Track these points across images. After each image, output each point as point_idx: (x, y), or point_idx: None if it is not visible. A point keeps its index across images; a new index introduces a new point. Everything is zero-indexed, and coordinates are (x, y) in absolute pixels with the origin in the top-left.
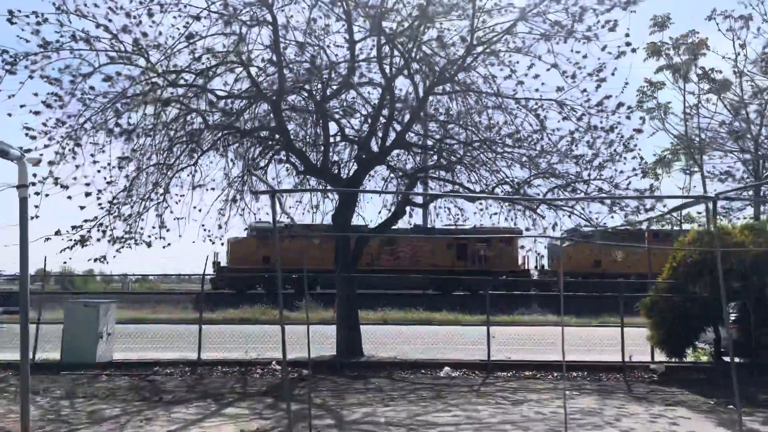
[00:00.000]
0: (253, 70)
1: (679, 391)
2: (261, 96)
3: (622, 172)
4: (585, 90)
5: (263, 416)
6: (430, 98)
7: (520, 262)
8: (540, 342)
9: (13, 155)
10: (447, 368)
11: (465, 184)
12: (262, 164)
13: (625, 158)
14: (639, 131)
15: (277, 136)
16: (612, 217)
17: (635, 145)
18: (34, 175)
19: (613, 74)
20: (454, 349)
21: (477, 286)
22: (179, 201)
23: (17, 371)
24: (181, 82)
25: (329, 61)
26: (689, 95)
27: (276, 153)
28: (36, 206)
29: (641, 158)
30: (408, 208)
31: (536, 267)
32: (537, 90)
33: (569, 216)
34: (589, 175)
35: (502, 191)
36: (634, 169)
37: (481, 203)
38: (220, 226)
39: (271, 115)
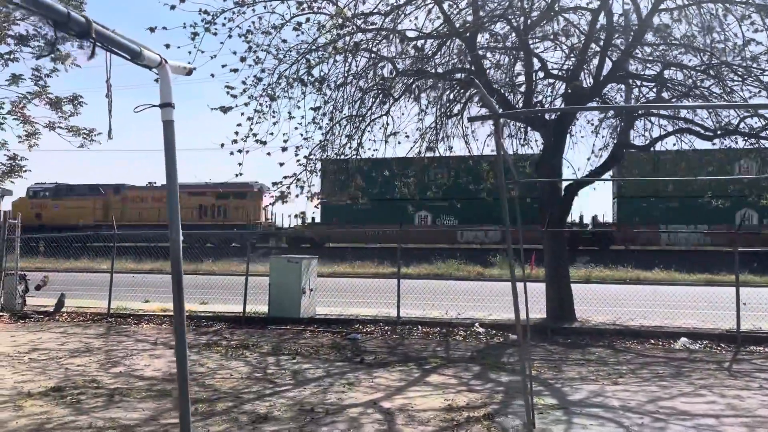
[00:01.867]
0: (445, 6)
1: None
2: (455, 33)
3: None
4: None
5: (472, 388)
6: (656, 17)
7: None
8: None
9: (148, 59)
10: (684, 339)
11: (696, 120)
12: (456, 110)
13: None
14: None
15: (470, 78)
16: None
17: None
18: (236, 133)
19: None
20: (684, 314)
21: None
22: (372, 155)
23: (233, 324)
24: (370, 26)
25: None
26: None
27: (470, 98)
28: (239, 164)
29: None
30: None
31: None
32: None
33: None
34: None
35: (745, 127)
36: None
37: (713, 144)
38: None
39: (467, 53)
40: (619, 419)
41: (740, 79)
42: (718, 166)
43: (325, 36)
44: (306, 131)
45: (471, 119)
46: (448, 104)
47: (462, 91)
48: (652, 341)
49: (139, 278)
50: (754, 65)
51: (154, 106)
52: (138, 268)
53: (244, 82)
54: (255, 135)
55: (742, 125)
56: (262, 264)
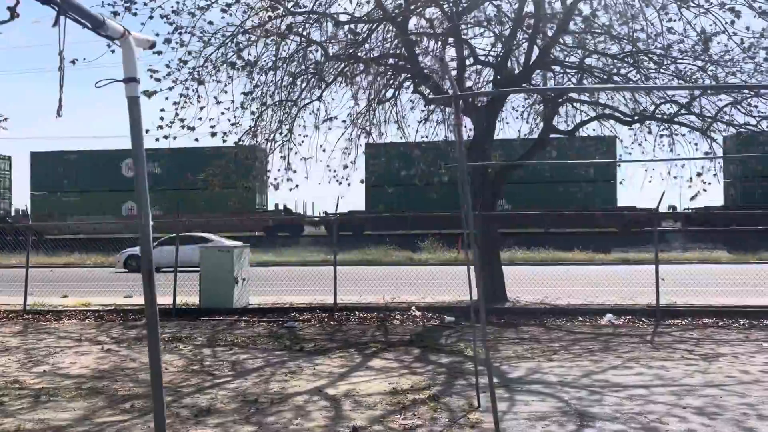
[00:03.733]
0: None
1: None
2: (387, 18)
3: None
4: None
5: (414, 371)
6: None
7: None
8: (710, 282)
9: (111, 29)
10: (609, 315)
11: (619, 107)
12: (388, 95)
13: None
14: None
15: (402, 63)
16: None
17: None
18: (161, 119)
19: None
20: (605, 292)
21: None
22: (302, 142)
23: (163, 317)
24: (301, 9)
25: None
26: None
27: (401, 83)
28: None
29: None
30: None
31: None
32: None
33: None
34: None
35: (661, 114)
36: None
37: (633, 129)
38: (345, 166)
39: (398, 40)
40: (558, 394)
41: (656, 66)
42: None
43: (252, 19)
44: (234, 116)
45: (431, 100)
46: (381, 89)
47: (394, 75)
48: (580, 318)
49: (59, 272)
50: (669, 53)
51: (117, 81)
52: (53, 262)
53: (168, 65)
54: (182, 121)
55: (657, 111)
56: None
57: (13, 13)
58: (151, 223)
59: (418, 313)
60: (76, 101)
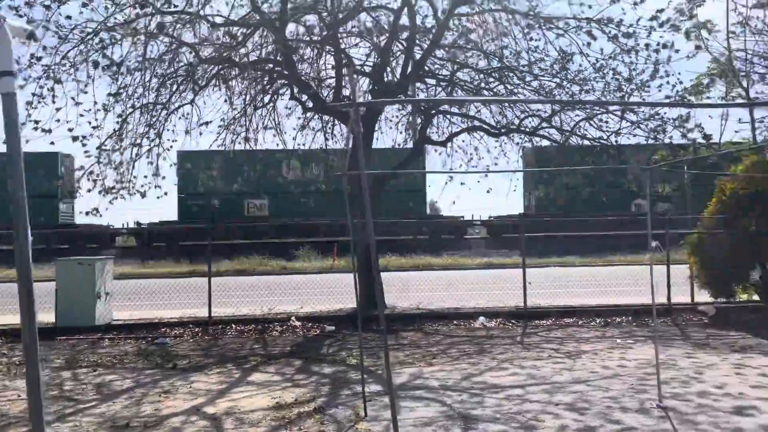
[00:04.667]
0: None
1: (739, 334)
2: (264, 22)
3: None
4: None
5: (297, 383)
6: (452, 21)
7: None
8: (566, 284)
9: None
10: (482, 318)
11: (487, 120)
12: (264, 101)
13: (666, 81)
14: (673, 48)
15: (279, 69)
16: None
17: (667, 72)
18: None
19: None
20: (476, 295)
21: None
22: (171, 147)
23: (12, 339)
24: (172, 8)
25: None
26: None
27: (277, 90)
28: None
29: (679, 81)
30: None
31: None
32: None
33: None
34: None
35: (524, 127)
36: (667, 97)
37: (498, 141)
38: (154, 174)
39: (274, 44)
40: (441, 398)
41: (520, 82)
42: None
43: (115, 16)
44: (96, 119)
45: (330, 106)
46: (257, 95)
47: (271, 81)
48: (455, 322)
49: None
50: (532, 70)
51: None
52: None
53: (17, 62)
54: (37, 122)
55: (521, 124)
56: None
57: None
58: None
59: (297, 324)
60: None
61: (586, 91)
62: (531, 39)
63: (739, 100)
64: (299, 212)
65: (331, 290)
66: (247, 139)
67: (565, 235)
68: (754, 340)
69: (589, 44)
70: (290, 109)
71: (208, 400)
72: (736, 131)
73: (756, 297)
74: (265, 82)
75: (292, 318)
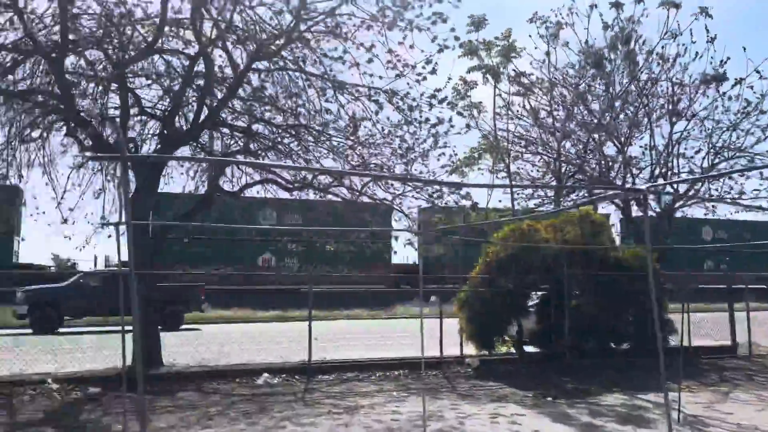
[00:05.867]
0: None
1: (497, 385)
2: (39, 51)
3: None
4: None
5: None
6: (250, 74)
7: None
8: (351, 338)
9: None
10: (266, 374)
11: (281, 173)
12: (34, 135)
13: (442, 152)
14: (450, 122)
15: (54, 102)
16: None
17: (446, 143)
18: None
19: (434, 70)
20: (265, 350)
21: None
22: None
23: None
24: None
25: (129, 16)
26: (500, 96)
27: (51, 124)
28: None
29: (454, 153)
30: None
31: None
32: (367, 74)
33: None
34: (407, 166)
35: (318, 183)
36: (443, 166)
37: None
38: None
39: (51, 76)
40: None
41: (314, 141)
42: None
43: None
44: None
45: (96, 158)
46: (25, 128)
47: (44, 114)
48: (238, 380)
49: None
50: (326, 130)
51: None
52: None
53: None
54: None
55: (315, 181)
56: None
57: None
58: None
59: (55, 386)
60: None
61: (375, 155)
62: (327, 100)
63: (503, 174)
64: None
65: (99, 346)
66: (5, 176)
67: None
68: (509, 390)
69: (377, 112)
70: (65, 146)
71: None
72: (499, 200)
73: (512, 350)
74: (35, 115)
75: (48, 380)
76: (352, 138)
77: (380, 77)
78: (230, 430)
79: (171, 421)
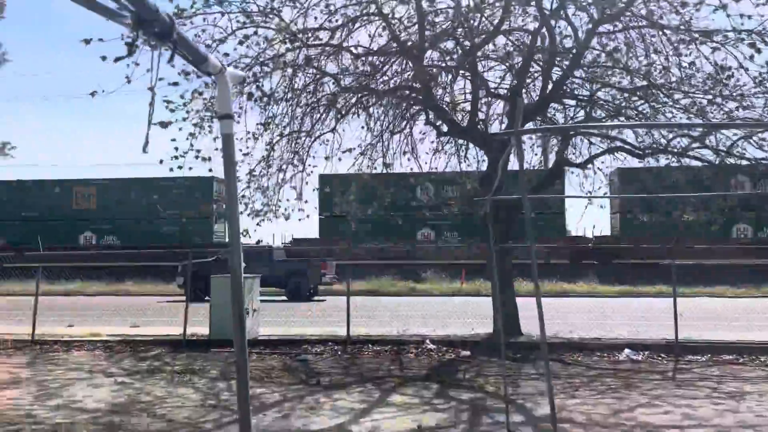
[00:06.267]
0: (393, 23)
1: None
2: (402, 51)
3: None
4: None
5: (436, 407)
6: (594, 41)
7: None
8: (717, 317)
9: (212, 65)
10: (627, 350)
11: (628, 140)
12: (400, 127)
13: None
14: None
15: (416, 95)
16: None
17: None
18: (176, 149)
19: None
20: (616, 325)
21: None
22: (311, 173)
23: (173, 348)
24: (317, 42)
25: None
26: None
27: (413, 116)
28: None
29: None
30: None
31: None
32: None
33: None
34: None
35: (674, 147)
36: None
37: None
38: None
39: (413, 72)
40: None
41: (667, 100)
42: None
43: (267, 51)
44: (246, 147)
45: (494, 135)
46: (394, 121)
47: (408, 107)
48: (597, 353)
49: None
50: (680, 87)
51: (214, 117)
52: (51, 290)
53: (182, 97)
54: (198, 151)
55: (669, 145)
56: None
57: (132, 48)
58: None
59: (432, 347)
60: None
61: (744, 108)
62: (681, 54)
63: None
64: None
65: (461, 314)
66: (385, 165)
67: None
68: None
69: (752, 57)
70: (424, 134)
71: (352, 419)
72: None
73: None
74: (402, 109)
75: (427, 341)
76: (713, 92)
77: (749, 17)
78: (599, 401)
79: (539, 387)
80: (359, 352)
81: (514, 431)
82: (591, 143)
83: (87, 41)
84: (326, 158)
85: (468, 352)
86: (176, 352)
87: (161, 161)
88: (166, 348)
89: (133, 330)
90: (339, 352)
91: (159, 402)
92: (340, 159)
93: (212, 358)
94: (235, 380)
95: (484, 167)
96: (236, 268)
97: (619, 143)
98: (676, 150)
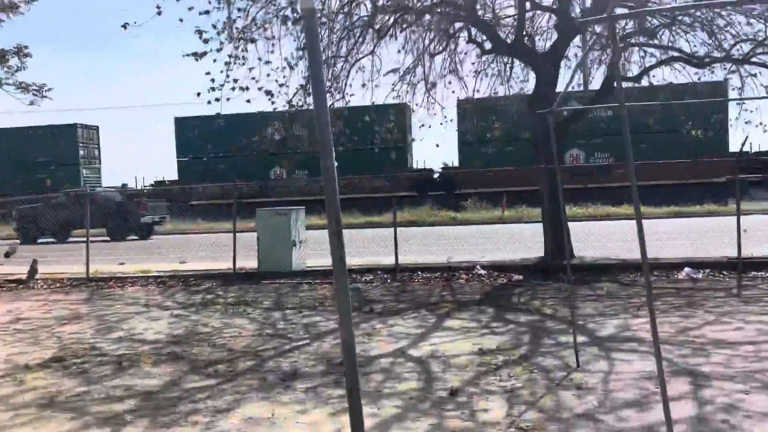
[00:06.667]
0: None
1: None
2: None
3: None
4: None
5: (494, 330)
6: None
7: None
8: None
9: None
10: (687, 268)
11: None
12: (440, 48)
13: None
14: None
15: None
16: None
17: None
18: (212, 80)
19: None
20: (668, 245)
21: None
22: (349, 101)
23: (224, 281)
24: None
25: None
26: None
27: (454, 33)
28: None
29: None
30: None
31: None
32: None
33: None
34: None
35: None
36: None
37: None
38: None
39: None
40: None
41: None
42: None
43: None
44: (284, 76)
45: (584, 21)
46: (434, 40)
47: (450, 24)
48: (656, 273)
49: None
50: None
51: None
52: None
53: (214, 26)
54: (235, 81)
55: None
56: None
57: None
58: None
59: (483, 272)
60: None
61: None
62: None
63: None
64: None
65: (506, 240)
66: (433, 85)
67: None
68: None
69: None
70: (465, 53)
71: (410, 343)
72: None
73: None
74: (441, 27)
75: (477, 266)
76: None
77: None
78: (664, 320)
79: (599, 308)
80: (409, 280)
81: (580, 351)
82: (643, 55)
83: None
84: (363, 86)
85: (520, 276)
86: (227, 285)
87: (198, 94)
88: (216, 282)
89: (182, 266)
90: (388, 280)
91: (217, 332)
92: (377, 86)
93: (263, 289)
94: (288, 309)
95: (528, 88)
96: (330, 173)
97: (675, 53)
98: (736, 57)
